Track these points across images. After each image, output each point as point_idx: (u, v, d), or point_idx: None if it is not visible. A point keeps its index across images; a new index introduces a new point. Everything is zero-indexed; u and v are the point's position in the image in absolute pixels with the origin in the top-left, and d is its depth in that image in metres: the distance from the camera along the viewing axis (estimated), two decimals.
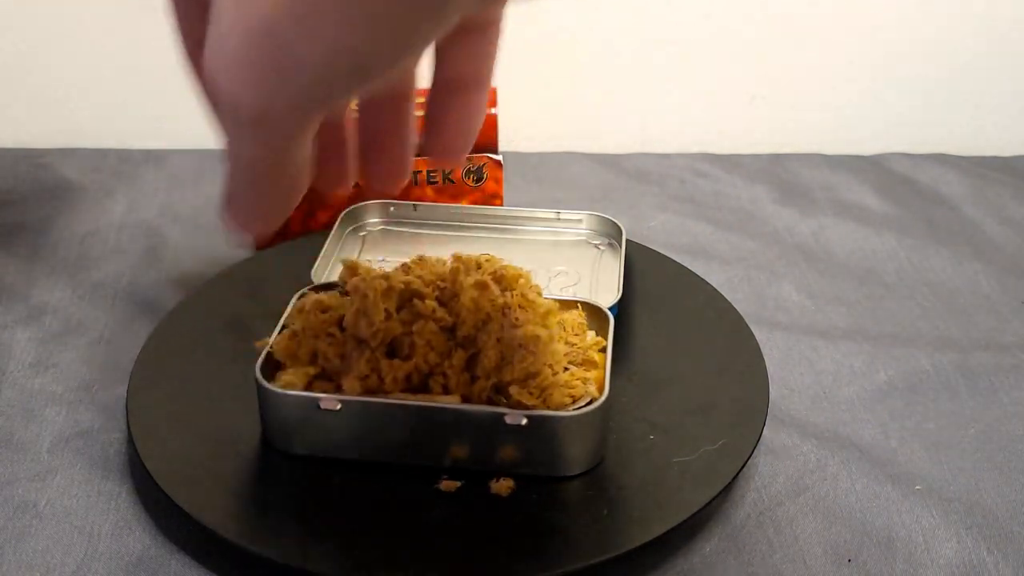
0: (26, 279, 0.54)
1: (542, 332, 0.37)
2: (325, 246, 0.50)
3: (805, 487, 0.41)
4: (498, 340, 0.37)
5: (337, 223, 0.52)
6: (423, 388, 0.38)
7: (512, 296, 0.38)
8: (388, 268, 0.41)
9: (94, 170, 0.66)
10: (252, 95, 0.24)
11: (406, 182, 0.32)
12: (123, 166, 0.67)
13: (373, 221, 0.54)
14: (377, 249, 0.53)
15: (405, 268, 0.41)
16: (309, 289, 0.43)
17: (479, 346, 0.37)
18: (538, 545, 0.35)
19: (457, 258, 0.40)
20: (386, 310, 0.38)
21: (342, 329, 0.39)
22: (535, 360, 0.37)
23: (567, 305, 0.43)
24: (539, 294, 0.40)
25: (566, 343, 0.41)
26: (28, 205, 0.62)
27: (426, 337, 0.38)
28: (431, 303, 0.38)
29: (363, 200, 0.54)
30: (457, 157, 0.32)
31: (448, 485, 0.37)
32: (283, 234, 0.55)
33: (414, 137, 0.32)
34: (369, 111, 0.31)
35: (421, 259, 0.41)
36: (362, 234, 0.54)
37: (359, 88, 0.24)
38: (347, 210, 0.53)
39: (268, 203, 0.29)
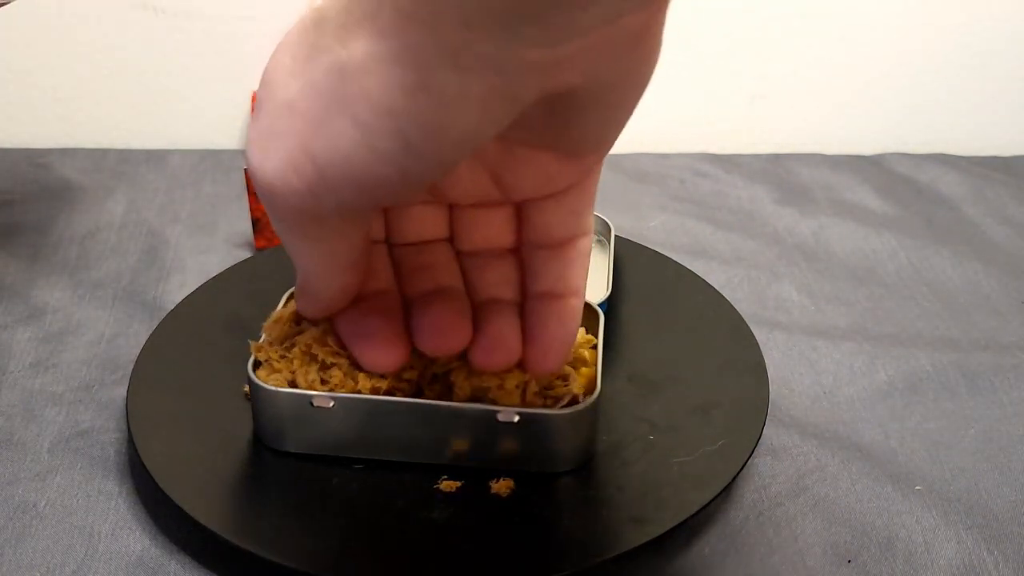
0: (26, 279, 0.54)
1: (504, 375, 0.37)
2: None
3: (805, 487, 0.41)
4: (467, 378, 0.37)
5: None
6: (417, 393, 0.38)
7: None
8: None
9: (94, 170, 0.66)
10: (272, 165, 0.26)
11: (559, 369, 0.35)
12: (123, 166, 0.67)
13: None
14: None
15: None
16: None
17: (452, 382, 0.37)
18: (538, 545, 0.35)
19: None
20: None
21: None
22: (502, 389, 0.37)
23: None
24: None
25: None
26: (28, 205, 0.62)
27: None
28: None
29: None
30: (554, 368, 0.34)
31: (448, 485, 0.37)
32: None
33: (574, 330, 0.34)
34: (534, 304, 0.34)
35: None
36: None
37: (397, 200, 0.27)
38: None
39: (310, 288, 0.33)
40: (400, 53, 0.22)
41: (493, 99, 0.23)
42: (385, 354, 0.34)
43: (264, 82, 0.26)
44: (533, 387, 0.37)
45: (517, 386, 0.37)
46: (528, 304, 0.34)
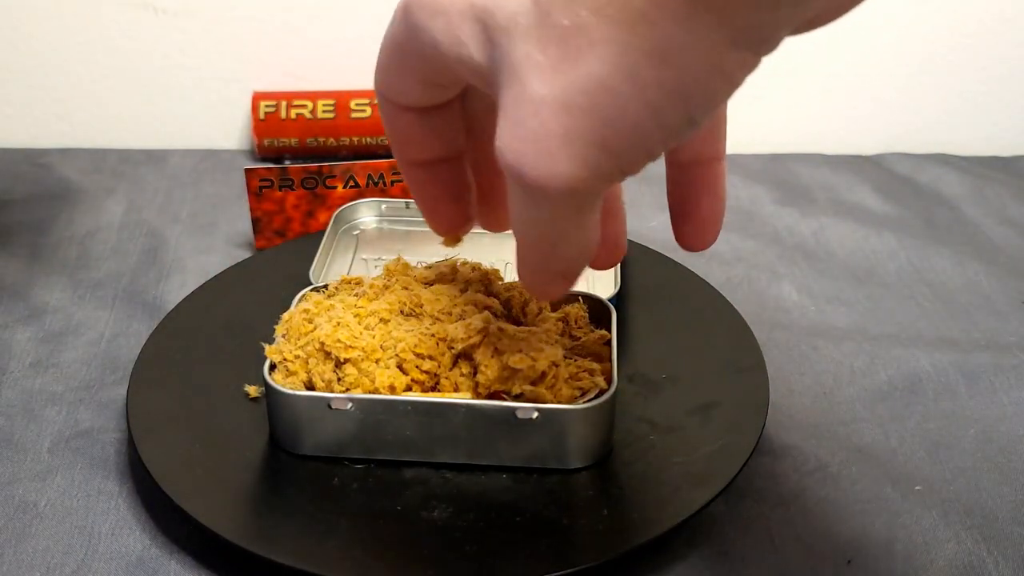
0: (26, 279, 0.54)
1: (535, 354, 0.37)
2: (321, 245, 0.50)
3: (805, 487, 0.41)
4: (493, 355, 0.37)
5: (331, 223, 0.52)
6: (434, 387, 0.38)
7: (494, 325, 0.38)
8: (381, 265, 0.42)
9: (94, 170, 0.66)
10: (564, 168, 0.24)
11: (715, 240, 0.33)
12: (123, 166, 0.67)
13: (366, 220, 0.54)
14: (371, 247, 0.53)
15: (388, 273, 0.41)
16: (310, 290, 0.43)
17: (477, 362, 0.38)
18: (538, 545, 0.35)
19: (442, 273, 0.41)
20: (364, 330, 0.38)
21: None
22: (533, 370, 0.37)
23: (568, 299, 0.43)
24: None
25: (570, 337, 0.41)
26: (28, 205, 0.62)
27: (411, 351, 0.38)
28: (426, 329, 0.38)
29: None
30: (710, 242, 0.33)
31: (447, 484, 0.37)
32: (283, 234, 0.55)
33: (725, 195, 0.33)
34: (682, 173, 0.32)
35: (403, 264, 0.42)
36: (355, 233, 0.54)
37: (680, 139, 0.25)
38: (339, 209, 0.53)
39: (566, 265, 0.29)
40: (691, 42, 0.23)
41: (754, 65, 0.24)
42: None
43: (509, 80, 0.25)
44: (563, 372, 0.37)
45: (546, 385, 0.37)
46: (675, 174, 0.32)
